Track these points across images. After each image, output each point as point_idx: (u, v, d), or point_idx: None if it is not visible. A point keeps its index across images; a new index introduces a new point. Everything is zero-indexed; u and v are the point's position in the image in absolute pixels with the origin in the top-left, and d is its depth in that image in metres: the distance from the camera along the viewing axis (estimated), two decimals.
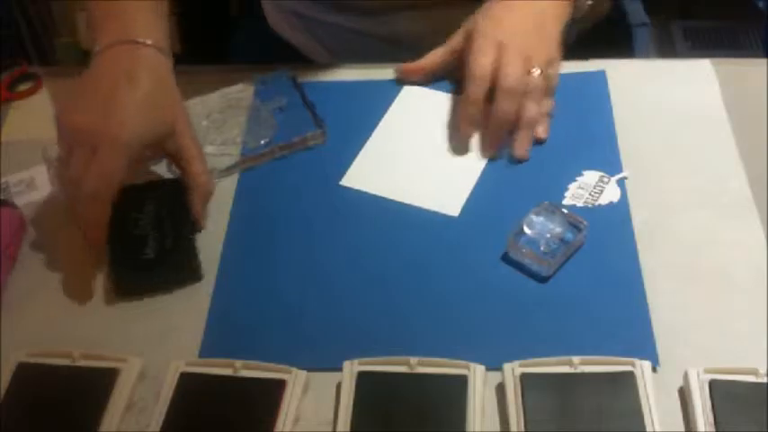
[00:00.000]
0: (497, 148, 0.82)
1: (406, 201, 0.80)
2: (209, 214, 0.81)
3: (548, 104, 0.84)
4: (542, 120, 0.83)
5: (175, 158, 0.79)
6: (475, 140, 0.84)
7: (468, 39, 0.84)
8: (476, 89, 0.81)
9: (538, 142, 0.83)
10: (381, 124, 0.87)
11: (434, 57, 0.88)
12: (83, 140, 0.73)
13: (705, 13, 2.19)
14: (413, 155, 0.85)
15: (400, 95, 0.90)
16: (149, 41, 0.78)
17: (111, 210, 0.73)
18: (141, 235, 0.76)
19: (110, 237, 0.76)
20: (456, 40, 0.86)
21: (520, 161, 0.82)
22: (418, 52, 0.87)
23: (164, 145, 0.78)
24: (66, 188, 0.77)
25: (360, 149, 0.86)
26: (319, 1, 1.01)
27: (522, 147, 0.82)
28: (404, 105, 0.89)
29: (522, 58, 0.81)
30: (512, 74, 0.80)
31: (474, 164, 0.83)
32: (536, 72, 0.81)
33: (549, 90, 0.84)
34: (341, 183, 0.82)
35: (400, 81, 0.90)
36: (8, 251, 0.78)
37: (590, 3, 0.89)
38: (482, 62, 0.81)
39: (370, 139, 0.86)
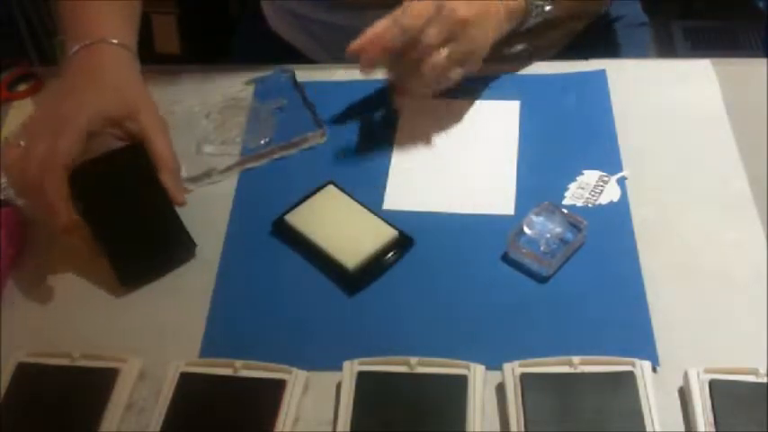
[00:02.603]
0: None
1: (459, 210, 0.79)
2: (207, 214, 0.81)
3: (458, 72, 0.81)
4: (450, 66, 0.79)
5: (138, 138, 0.79)
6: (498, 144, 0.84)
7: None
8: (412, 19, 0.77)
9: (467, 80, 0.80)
10: (397, 143, 0.86)
11: (377, 27, 0.80)
12: (42, 129, 0.75)
13: (705, 13, 2.19)
14: (443, 166, 0.84)
15: (402, 110, 0.89)
16: (115, 40, 0.81)
17: (69, 187, 0.73)
18: (126, 220, 0.77)
19: (95, 229, 0.76)
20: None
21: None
22: None
23: (125, 125, 0.79)
24: (24, 177, 0.74)
25: (360, 150, 0.86)
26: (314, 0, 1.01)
27: (423, 84, 0.80)
28: (410, 120, 0.88)
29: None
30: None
31: (507, 160, 0.83)
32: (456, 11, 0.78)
33: (464, 58, 0.80)
34: (384, 207, 0.80)
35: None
36: (8, 251, 0.78)
37: (548, 9, 0.87)
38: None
39: (393, 158, 0.85)
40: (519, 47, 0.96)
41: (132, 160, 0.78)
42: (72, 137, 0.74)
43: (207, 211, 0.81)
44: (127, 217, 0.77)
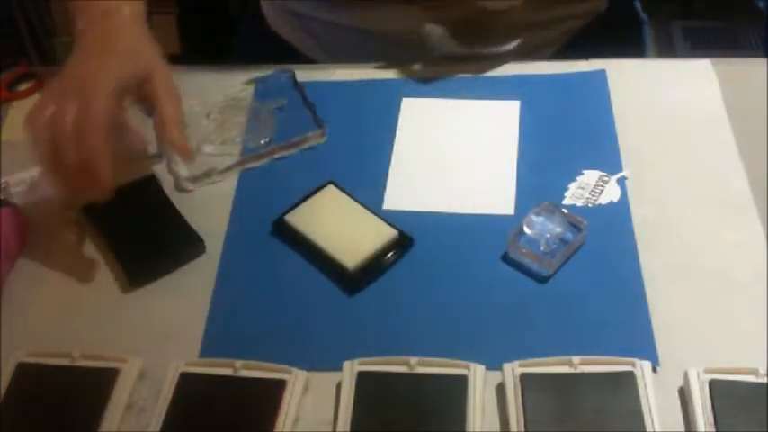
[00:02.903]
0: None
1: (459, 210, 0.79)
2: (207, 214, 0.81)
3: None
4: None
5: (150, 99, 0.79)
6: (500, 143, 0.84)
7: None
8: None
9: None
10: (397, 143, 0.86)
11: None
12: (67, 92, 0.74)
13: (705, 13, 2.19)
14: (443, 166, 0.84)
15: (402, 110, 0.89)
16: (127, 9, 0.81)
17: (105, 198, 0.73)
18: (132, 224, 0.79)
19: (107, 236, 0.78)
20: None
21: None
22: (413, 49, 0.87)
23: (141, 89, 0.79)
24: (58, 137, 0.72)
25: (360, 150, 0.86)
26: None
27: None
28: (410, 120, 0.88)
29: None
30: None
31: (507, 160, 0.83)
32: None
33: None
34: (384, 207, 0.80)
35: None
36: (8, 251, 0.78)
37: None
38: None
39: (393, 158, 0.85)
40: (513, 43, 0.96)
41: (139, 190, 0.82)
42: (104, 96, 0.73)
43: (207, 211, 0.81)
44: (133, 222, 0.80)
